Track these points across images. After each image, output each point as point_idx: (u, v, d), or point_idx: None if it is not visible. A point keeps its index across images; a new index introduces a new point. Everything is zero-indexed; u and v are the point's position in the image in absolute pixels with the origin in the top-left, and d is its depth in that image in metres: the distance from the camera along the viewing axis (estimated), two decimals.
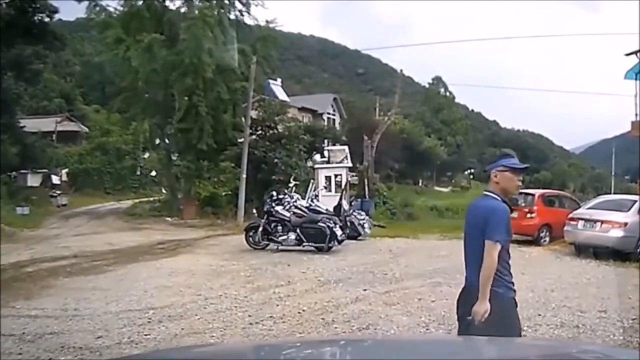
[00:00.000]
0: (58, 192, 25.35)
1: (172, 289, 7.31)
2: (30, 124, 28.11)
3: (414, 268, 8.56)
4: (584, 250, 10.86)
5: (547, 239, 12.51)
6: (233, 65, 17.16)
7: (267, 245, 10.59)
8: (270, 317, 5.45)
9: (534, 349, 1.80)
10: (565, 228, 11.02)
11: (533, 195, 13.05)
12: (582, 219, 10.71)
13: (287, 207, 10.55)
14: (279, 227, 10.32)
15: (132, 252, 11.31)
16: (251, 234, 10.72)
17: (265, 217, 10.45)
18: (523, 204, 12.76)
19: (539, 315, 5.81)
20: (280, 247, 10.42)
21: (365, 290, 6.76)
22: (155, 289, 7.44)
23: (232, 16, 18.76)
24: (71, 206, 23.86)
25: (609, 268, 9.44)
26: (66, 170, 30.16)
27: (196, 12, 17.70)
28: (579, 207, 12.97)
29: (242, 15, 18.50)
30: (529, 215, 12.45)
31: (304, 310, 5.37)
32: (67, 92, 42.26)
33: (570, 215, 11.12)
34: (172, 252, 11.13)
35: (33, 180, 26.61)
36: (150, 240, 13.29)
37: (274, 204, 10.47)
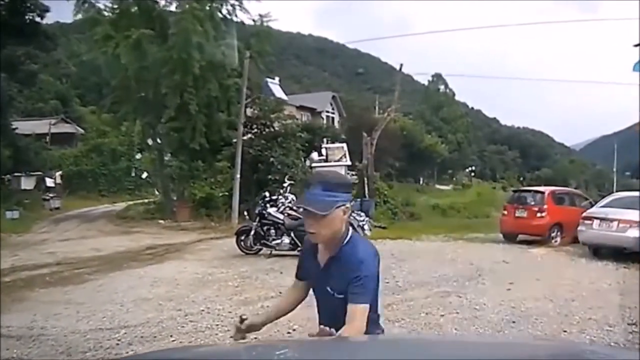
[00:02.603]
0: (51, 195, 24.74)
1: (151, 303, 6.62)
2: (25, 126, 27.69)
3: (418, 275, 7.81)
4: (598, 251, 10.16)
5: (558, 239, 11.77)
6: (233, 63, 16.47)
7: (260, 250, 9.83)
8: (255, 338, 4.73)
9: (534, 349, 1.71)
10: (579, 228, 10.29)
11: (543, 193, 12.30)
12: (597, 218, 9.98)
13: (281, 209, 9.81)
14: (272, 231, 9.53)
15: (118, 259, 10.71)
16: (243, 238, 9.96)
17: (257, 219, 9.69)
18: (532, 203, 12.04)
19: (565, 331, 5.08)
20: (274, 252, 9.64)
21: None
22: (133, 302, 6.76)
23: (224, 11, 18.08)
24: (64, 209, 23.26)
25: (628, 271, 8.72)
26: (60, 172, 29.59)
27: (187, 6, 16.97)
28: (591, 205, 12.29)
29: (234, 9, 17.74)
30: (539, 214, 11.71)
31: (294, 330, 4.66)
32: (63, 93, 41.77)
33: (584, 214, 10.39)
34: (160, 258, 10.46)
35: (27, 184, 26.17)
36: (139, 245, 12.67)
37: (266, 206, 9.71)
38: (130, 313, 6.21)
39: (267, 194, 10.06)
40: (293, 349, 1.61)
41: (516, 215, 12.09)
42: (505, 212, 12.53)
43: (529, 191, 13.02)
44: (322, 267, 2.05)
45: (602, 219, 9.88)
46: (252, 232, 9.69)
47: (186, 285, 7.46)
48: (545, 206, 11.78)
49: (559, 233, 11.74)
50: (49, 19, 29.55)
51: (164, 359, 1.70)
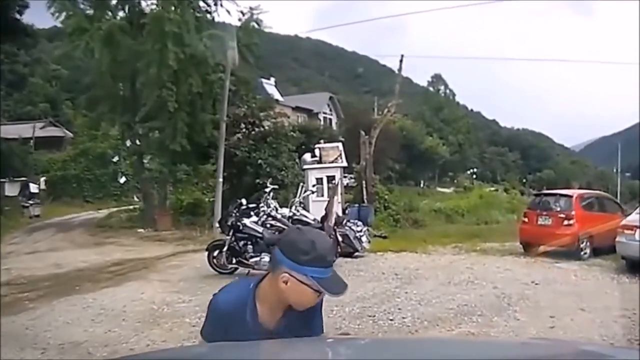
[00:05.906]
0: (31, 202, 23.30)
1: (80, 349, 5.02)
2: (11, 130, 26.46)
3: (430, 305, 6.08)
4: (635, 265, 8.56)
5: (588, 250, 10.13)
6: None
7: (236, 269, 8.15)
8: None
9: (534, 349, 1.64)
10: (618, 239, 8.66)
11: (570, 197, 10.60)
12: (639, 227, 8.38)
13: (262, 220, 8.17)
14: (249, 246, 7.86)
15: (74, 278, 9.21)
16: (215, 254, 8.28)
17: (230, 233, 8.01)
18: (558, 209, 10.37)
19: None
20: (253, 272, 7.97)
21: None
22: (59, 347, 5.18)
23: (210, 1, 16.56)
24: (44, 217, 21.87)
25: None
26: (45, 178, 28.20)
27: None
28: (623, 210, 10.71)
29: None
30: (566, 222, 10.03)
31: None
32: (53, 96, 40.66)
33: (624, 223, 8.77)
34: (120, 279, 8.86)
35: (11, 190, 25.05)
36: (105, 259, 11.15)
37: (242, 216, 7.99)
38: None
39: (243, 201, 8.31)
40: (294, 348, 1.59)
41: (539, 223, 10.42)
42: (526, 220, 10.83)
43: (553, 195, 11.26)
44: (275, 325, 1.68)
45: None
46: (226, 248, 8.01)
47: (133, 321, 5.83)
48: (573, 212, 10.12)
49: (588, 244, 10.09)
50: (46, 23, 28.49)
51: (164, 359, 1.72)
